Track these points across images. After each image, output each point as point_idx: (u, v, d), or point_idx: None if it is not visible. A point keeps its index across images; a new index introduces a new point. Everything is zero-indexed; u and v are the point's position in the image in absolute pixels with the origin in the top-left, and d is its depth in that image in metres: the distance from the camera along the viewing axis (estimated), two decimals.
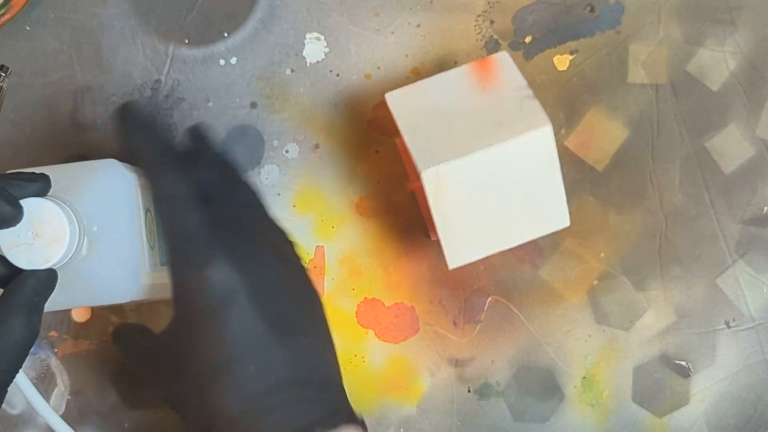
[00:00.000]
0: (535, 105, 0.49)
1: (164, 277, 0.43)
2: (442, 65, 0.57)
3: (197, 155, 0.49)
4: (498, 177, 0.49)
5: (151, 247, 0.46)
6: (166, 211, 0.41)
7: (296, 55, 0.57)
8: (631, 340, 0.57)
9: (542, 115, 0.48)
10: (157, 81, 0.57)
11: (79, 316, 0.57)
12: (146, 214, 0.46)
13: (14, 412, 0.57)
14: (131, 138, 0.44)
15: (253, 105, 0.57)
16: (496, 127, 0.48)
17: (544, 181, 0.49)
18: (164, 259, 0.47)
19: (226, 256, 0.40)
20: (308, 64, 0.57)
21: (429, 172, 0.48)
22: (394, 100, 0.51)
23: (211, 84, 0.57)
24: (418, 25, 0.57)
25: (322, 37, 0.57)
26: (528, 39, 0.58)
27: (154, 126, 0.45)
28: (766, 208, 0.58)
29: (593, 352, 0.57)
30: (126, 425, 0.57)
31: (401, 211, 0.58)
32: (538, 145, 0.48)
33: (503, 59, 0.51)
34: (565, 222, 0.51)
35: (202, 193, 0.42)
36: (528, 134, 0.48)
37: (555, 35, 0.57)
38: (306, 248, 0.57)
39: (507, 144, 0.48)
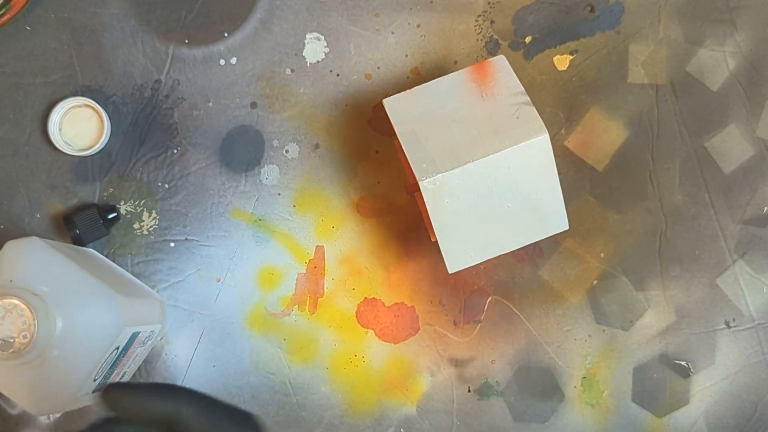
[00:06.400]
0: (532, 112, 0.49)
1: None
2: (442, 65, 0.57)
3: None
4: (496, 184, 0.49)
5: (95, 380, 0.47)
6: None
7: (296, 55, 0.57)
8: (631, 340, 0.57)
9: (539, 123, 0.48)
10: (157, 81, 0.57)
11: None
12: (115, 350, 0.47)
13: (14, 412, 0.57)
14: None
15: (253, 105, 0.57)
16: (493, 134, 0.49)
17: (542, 186, 0.50)
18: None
19: None
20: (308, 64, 0.57)
21: (427, 182, 0.48)
22: (392, 106, 0.51)
23: (211, 84, 0.57)
24: (418, 25, 0.57)
25: (322, 37, 0.57)
26: (528, 39, 0.58)
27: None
28: (766, 208, 0.58)
29: (593, 352, 0.57)
30: None
31: (401, 211, 0.58)
32: (535, 152, 0.48)
33: (500, 63, 0.51)
34: (563, 226, 0.51)
35: None
36: (525, 143, 0.48)
37: (555, 35, 0.57)
38: (306, 248, 0.57)
39: (504, 153, 0.48)
